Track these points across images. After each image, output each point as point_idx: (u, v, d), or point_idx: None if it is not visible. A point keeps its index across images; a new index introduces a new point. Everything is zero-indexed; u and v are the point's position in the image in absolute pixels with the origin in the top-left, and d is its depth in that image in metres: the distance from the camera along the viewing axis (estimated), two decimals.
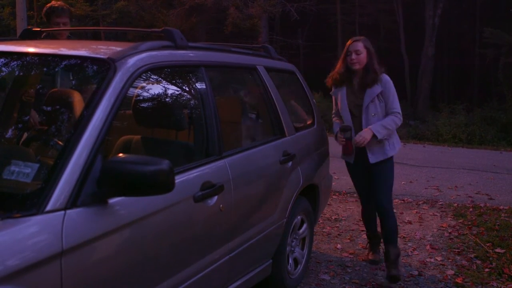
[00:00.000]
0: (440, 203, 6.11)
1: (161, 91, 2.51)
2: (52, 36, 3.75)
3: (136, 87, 2.26)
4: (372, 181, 3.71)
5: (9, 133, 2.49)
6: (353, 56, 3.61)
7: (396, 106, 3.65)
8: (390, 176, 3.72)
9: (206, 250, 2.40)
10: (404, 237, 4.78)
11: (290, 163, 3.26)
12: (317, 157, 3.81)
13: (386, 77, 3.66)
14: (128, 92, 2.06)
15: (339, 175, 6.79)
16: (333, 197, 6.15)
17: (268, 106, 3.29)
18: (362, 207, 4.02)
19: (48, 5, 3.97)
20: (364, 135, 3.52)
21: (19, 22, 11.90)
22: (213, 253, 2.44)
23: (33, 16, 17.50)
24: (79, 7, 17.98)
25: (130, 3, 18.71)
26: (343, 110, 3.70)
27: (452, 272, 3.96)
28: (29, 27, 3.01)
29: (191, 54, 2.61)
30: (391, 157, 3.71)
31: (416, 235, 4.86)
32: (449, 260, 4.23)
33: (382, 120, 3.60)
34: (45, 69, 2.48)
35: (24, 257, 1.52)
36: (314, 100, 4.16)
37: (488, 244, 4.54)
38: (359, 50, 3.61)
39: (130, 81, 2.04)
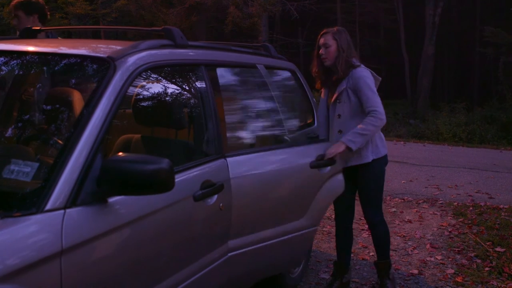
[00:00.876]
0: (440, 202, 6.11)
1: (161, 90, 2.51)
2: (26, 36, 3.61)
3: (136, 86, 2.25)
4: (358, 191, 3.43)
5: (9, 132, 2.49)
6: (322, 50, 3.28)
7: (373, 103, 3.14)
8: (373, 186, 3.34)
9: (206, 249, 2.39)
10: (404, 236, 4.78)
11: (327, 169, 3.14)
12: None
13: (358, 72, 3.21)
14: (128, 91, 2.05)
15: None
16: None
17: (268, 105, 3.29)
18: (336, 223, 3.58)
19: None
20: (334, 149, 3.11)
21: None
22: (213, 252, 2.44)
23: None
24: (79, 6, 17.97)
25: (130, 2, 18.67)
26: (318, 111, 3.43)
27: (452, 271, 3.96)
28: (29, 26, 3.00)
29: (191, 53, 2.60)
30: (375, 165, 3.29)
31: (416, 234, 4.86)
32: (449, 259, 4.23)
33: (358, 125, 3.15)
34: (44, 67, 2.48)
35: (24, 256, 1.52)
36: (314, 99, 4.15)
37: (488, 243, 4.54)
38: (327, 43, 3.25)
39: (130, 80, 2.04)
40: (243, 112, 3.37)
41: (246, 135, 3.39)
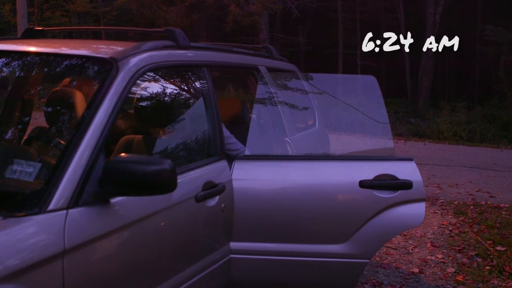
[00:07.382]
0: (441, 200, 6.12)
1: (163, 91, 2.51)
2: None
3: (138, 87, 2.25)
4: None
5: (12, 132, 2.49)
6: None
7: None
8: None
9: (207, 250, 2.40)
10: (405, 234, 4.79)
11: (392, 193, 2.70)
12: None
13: None
14: (130, 91, 2.06)
15: None
16: None
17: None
18: None
19: None
20: None
21: (20, 19, 11.90)
22: (215, 253, 2.44)
23: (34, 13, 17.51)
24: (80, 3, 17.98)
25: (130, 0, 18.69)
26: None
27: (453, 269, 3.97)
28: (31, 26, 3.00)
29: (194, 54, 2.60)
30: None
31: (416, 232, 4.87)
32: (450, 257, 4.23)
33: None
34: (46, 68, 2.48)
35: (26, 257, 1.52)
36: (315, 100, 4.16)
37: (489, 242, 4.54)
38: None
39: (132, 81, 2.04)
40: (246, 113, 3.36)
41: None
